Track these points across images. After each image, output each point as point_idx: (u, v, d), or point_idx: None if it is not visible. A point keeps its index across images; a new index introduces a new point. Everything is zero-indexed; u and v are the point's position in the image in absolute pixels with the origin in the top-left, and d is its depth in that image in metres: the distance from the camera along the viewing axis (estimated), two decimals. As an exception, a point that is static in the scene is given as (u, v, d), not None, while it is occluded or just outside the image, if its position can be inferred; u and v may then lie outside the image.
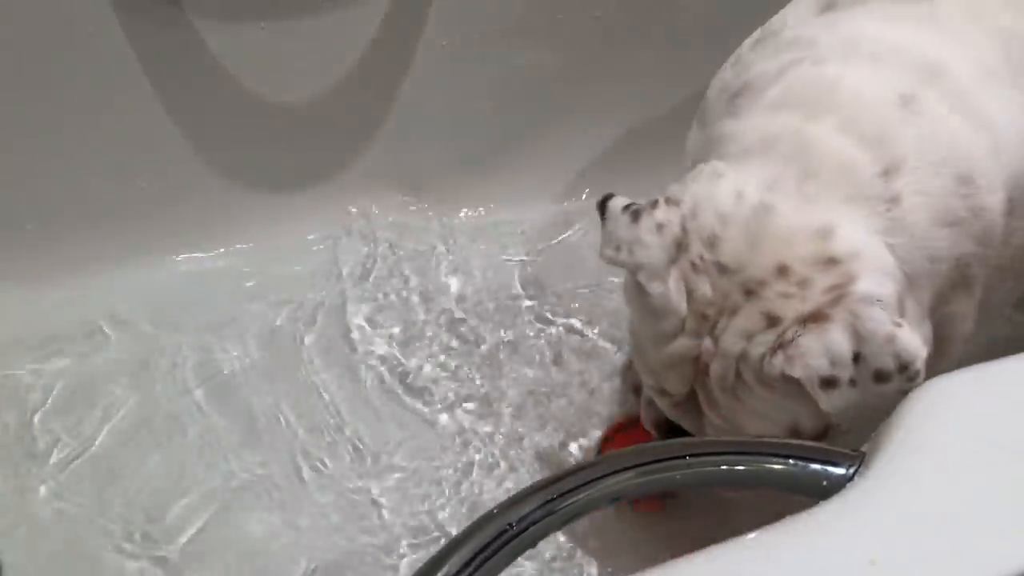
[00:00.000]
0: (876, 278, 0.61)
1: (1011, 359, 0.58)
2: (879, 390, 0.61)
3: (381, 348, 1.06)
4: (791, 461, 0.55)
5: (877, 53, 0.68)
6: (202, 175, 1.11)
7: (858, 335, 0.61)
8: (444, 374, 1.04)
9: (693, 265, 0.65)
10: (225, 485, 0.94)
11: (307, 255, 1.13)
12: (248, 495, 0.93)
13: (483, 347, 1.06)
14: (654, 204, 0.67)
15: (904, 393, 0.58)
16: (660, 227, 0.65)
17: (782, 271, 0.62)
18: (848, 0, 0.74)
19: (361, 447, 0.98)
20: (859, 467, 0.54)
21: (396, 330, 1.07)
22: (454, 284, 1.12)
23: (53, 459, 0.95)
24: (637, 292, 0.67)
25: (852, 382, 0.61)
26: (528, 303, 1.10)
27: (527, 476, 0.96)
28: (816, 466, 0.55)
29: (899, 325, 0.61)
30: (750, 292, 0.63)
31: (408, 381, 1.03)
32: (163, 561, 0.89)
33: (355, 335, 1.07)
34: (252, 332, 1.05)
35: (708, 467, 0.54)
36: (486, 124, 1.17)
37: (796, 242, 0.62)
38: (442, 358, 1.05)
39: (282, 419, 0.99)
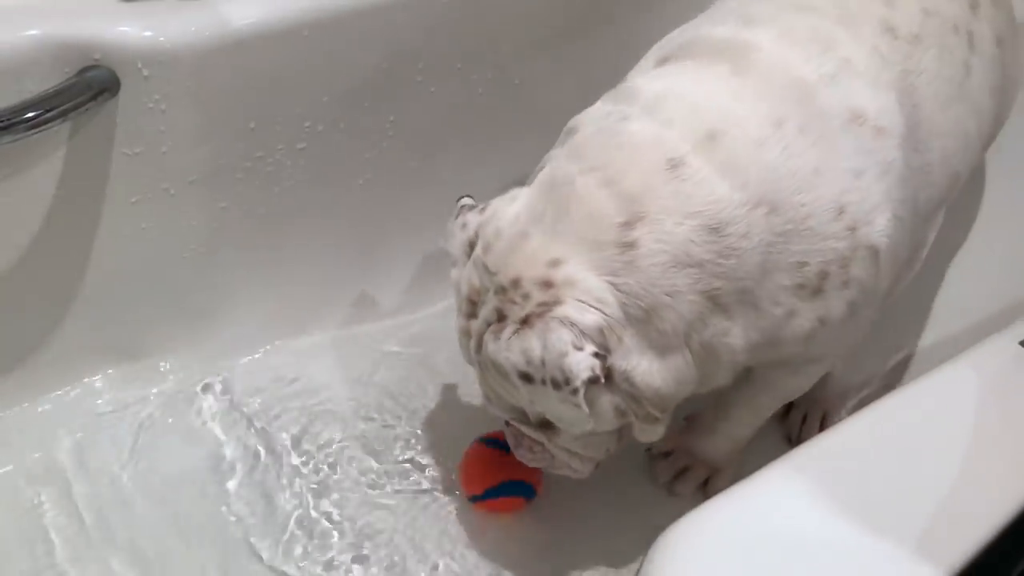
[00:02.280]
0: (579, 307, 0.74)
1: (720, 498, 0.67)
2: (558, 395, 0.76)
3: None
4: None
5: (671, 116, 0.78)
6: None
7: (546, 346, 0.75)
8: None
9: (474, 261, 0.82)
10: None
11: (19, 449, 1.04)
12: None
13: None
14: (469, 208, 0.85)
15: (576, 406, 0.74)
16: (464, 226, 0.84)
17: (516, 283, 0.77)
18: (679, 53, 0.84)
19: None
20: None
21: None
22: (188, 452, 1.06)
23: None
24: None
25: (543, 382, 0.76)
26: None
27: None
28: None
29: (579, 348, 0.74)
30: (497, 291, 0.79)
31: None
32: None
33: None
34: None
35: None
36: (199, 273, 1.09)
37: (532, 265, 0.77)
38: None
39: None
